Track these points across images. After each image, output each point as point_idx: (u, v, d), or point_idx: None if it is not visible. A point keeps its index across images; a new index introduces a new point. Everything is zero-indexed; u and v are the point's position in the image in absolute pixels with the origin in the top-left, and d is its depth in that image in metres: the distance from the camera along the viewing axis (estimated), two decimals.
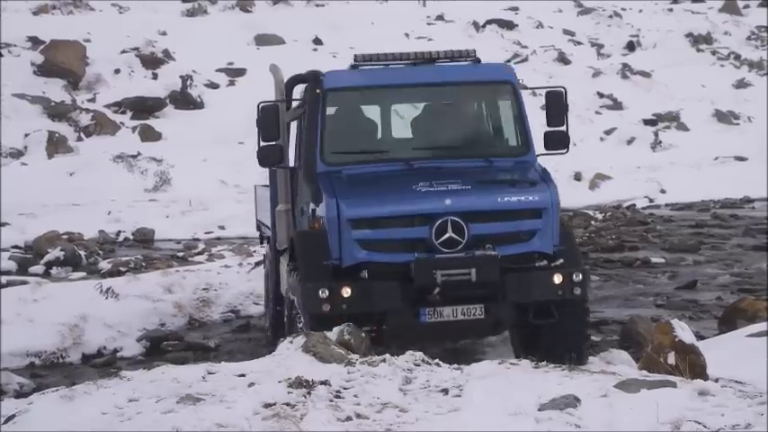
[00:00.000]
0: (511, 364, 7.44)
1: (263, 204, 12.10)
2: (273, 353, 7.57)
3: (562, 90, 9.64)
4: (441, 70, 9.80)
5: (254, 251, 16.93)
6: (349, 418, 5.86)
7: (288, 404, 5.98)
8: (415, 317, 8.77)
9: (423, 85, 9.73)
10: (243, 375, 6.79)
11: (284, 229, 10.35)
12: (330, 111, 9.49)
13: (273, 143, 9.54)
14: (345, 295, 8.60)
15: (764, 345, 8.51)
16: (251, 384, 6.54)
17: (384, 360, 7.06)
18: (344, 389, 6.46)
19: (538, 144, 9.57)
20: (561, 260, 8.93)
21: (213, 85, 32.78)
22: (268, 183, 11.48)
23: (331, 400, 6.17)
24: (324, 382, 6.46)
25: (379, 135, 9.97)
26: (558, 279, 8.81)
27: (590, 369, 7.40)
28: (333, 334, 7.92)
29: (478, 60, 9.88)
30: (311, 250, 8.99)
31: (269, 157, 9.59)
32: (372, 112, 9.99)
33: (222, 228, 21.40)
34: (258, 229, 13.04)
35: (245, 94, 30.80)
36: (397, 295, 8.67)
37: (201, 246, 19.22)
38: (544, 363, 7.54)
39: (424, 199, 8.85)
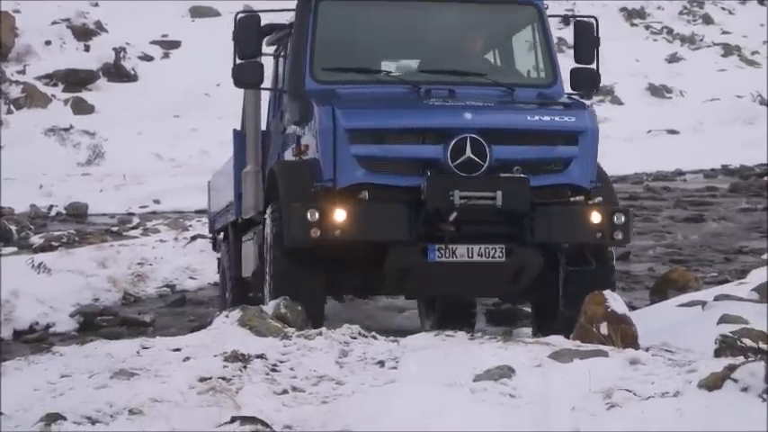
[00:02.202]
0: (446, 335, 7.48)
1: (223, 186, 11.02)
2: (209, 327, 7.53)
3: (593, 20, 8.34)
4: None
5: (190, 225, 16.82)
6: (285, 391, 5.84)
7: (223, 378, 5.95)
8: (423, 254, 7.34)
9: (434, 0, 8.34)
10: (178, 350, 6.74)
11: (252, 194, 9.07)
12: (323, 21, 8.08)
13: (252, 60, 8.15)
14: (340, 219, 7.16)
15: (694, 314, 8.67)
16: (186, 359, 6.50)
17: (320, 333, 7.06)
18: (281, 362, 6.44)
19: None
20: (599, 198, 7.64)
21: (147, 58, 32.35)
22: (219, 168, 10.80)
23: (267, 374, 6.16)
24: (260, 356, 6.44)
25: (380, 54, 8.59)
26: (596, 218, 7.42)
27: (525, 340, 7.48)
28: (269, 308, 7.89)
29: None
30: (296, 175, 7.66)
31: (246, 76, 8.14)
32: (373, 27, 8.62)
33: (157, 202, 21.20)
34: (211, 228, 12.00)
35: (180, 67, 30.53)
36: (404, 222, 7.23)
37: (136, 220, 19.04)
38: (479, 334, 7.61)
39: (439, 112, 7.51)
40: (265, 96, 9.43)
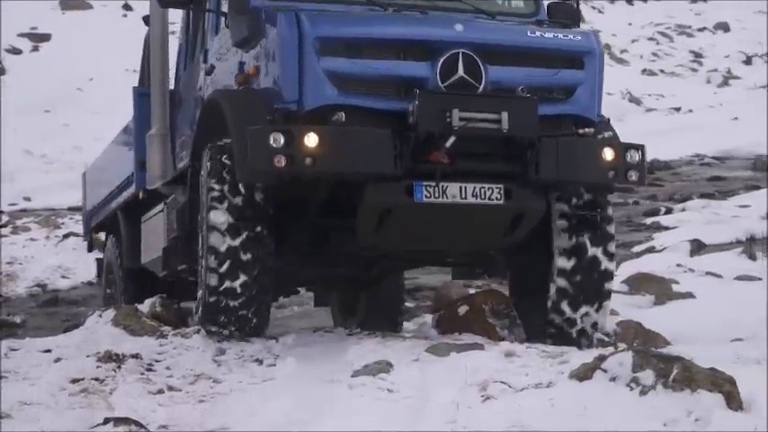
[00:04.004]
0: (325, 332, 7.50)
1: (109, 167, 10.13)
2: (82, 327, 7.37)
3: None
4: None
5: (63, 223, 16.40)
6: (161, 391, 5.76)
7: (96, 379, 5.84)
8: (408, 193, 6.19)
9: None
10: (48, 351, 6.61)
11: (159, 160, 7.98)
12: None
13: None
14: (311, 145, 5.91)
15: None
16: (57, 360, 6.38)
17: (197, 331, 6.98)
18: (156, 361, 6.37)
19: None
20: (610, 133, 6.77)
21: (15, 51, 31.33)
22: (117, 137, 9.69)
23: (142, 374, 6.07)
24: (135, 356, 6.35)
25: None
26: (609, 154, 6.41)
27: (403, 335, 7.55)
28: (144, 306, 7.75)
29: None
30: (247, 100, 6.38)
31: None
32: None
33: (28, 199, 20.56)
34: (86, 227, 11.14)
35: (50, 61, 29.68)
36: (388, 151, 6.02)
37: (5, 218, 18.42)
38: (358, 330, 7.63)
39: (426, 23, 6.47)
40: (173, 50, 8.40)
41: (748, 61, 34.61)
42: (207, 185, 6.53)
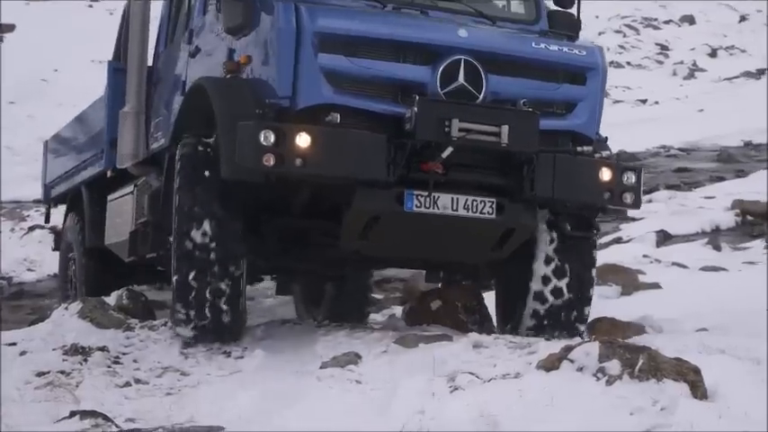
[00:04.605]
0: (294, 323, 7.50)
1: (66, 153, 10.02)
2: (47, 320, 7.32)
3: None
4: None
5: (28, 216, 16.26)
6: (128, 384, 5.74)
7: (62, 372, 5.80)
8: (398, 201, 6.03)
9: None
10: (14, 344, 6.55)
11: (131, 139, 7.75)
12: None
13: None
14: (303, 146, 5.70)
15: None
16: (23, 353, 6.34)
17: (165, 324, 6.96)
18: (123, 354, 6.35)
19: None
20: (608, 152, 6.70)
21: None
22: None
23: (109, 366, 6.04)
24: (101, 349, 6.33)
25: None
26: (606, 175, 6.29)
27: (372, 327, 7.56)
28: (111, 299, 7.71)
29: None
30: (236, 91, 6.15)
31: None
32: None
33: None
34: (46, 197, 10.97)
35: (15, 52, 29.41)
36: (382, 157, 5.84)
37: None
38: (326, 322, 7.63)
39: (429, 26, 6.24)
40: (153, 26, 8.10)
41: (713, 54, 34.93)
42: (172, 305, 6.43)
